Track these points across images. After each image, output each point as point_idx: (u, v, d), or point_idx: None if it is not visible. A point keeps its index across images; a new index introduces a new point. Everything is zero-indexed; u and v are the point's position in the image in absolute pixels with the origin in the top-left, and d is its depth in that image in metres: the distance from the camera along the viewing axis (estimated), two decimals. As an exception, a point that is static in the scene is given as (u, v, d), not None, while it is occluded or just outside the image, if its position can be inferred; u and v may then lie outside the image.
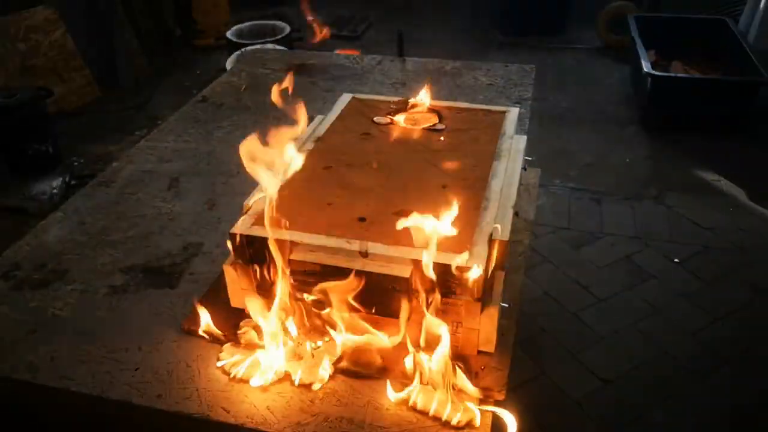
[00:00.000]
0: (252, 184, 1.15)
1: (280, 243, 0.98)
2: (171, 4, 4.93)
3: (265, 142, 0.97)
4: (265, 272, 1.02)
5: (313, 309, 0.98)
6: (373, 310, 0.97)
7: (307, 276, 0.97)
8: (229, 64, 3.79)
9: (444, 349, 0.92)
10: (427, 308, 0.93)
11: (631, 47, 3.98)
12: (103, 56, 4.30)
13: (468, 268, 0.92)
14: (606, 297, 2.47)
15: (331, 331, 0.99)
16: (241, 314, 1.09)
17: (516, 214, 1.26)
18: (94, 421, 1.05)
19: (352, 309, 0.97)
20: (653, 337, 2.28)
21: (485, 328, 0.98)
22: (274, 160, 0.99)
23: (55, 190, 3.17)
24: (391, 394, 0.95)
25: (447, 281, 0.94)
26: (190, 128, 1.78)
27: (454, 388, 0.94)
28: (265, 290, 1.04)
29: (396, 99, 1.46)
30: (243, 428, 0.92)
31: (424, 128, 1.35)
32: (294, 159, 1.05)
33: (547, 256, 2.69)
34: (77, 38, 4.02)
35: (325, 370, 0.98)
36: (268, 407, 0.95)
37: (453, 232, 0.92)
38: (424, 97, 1.43)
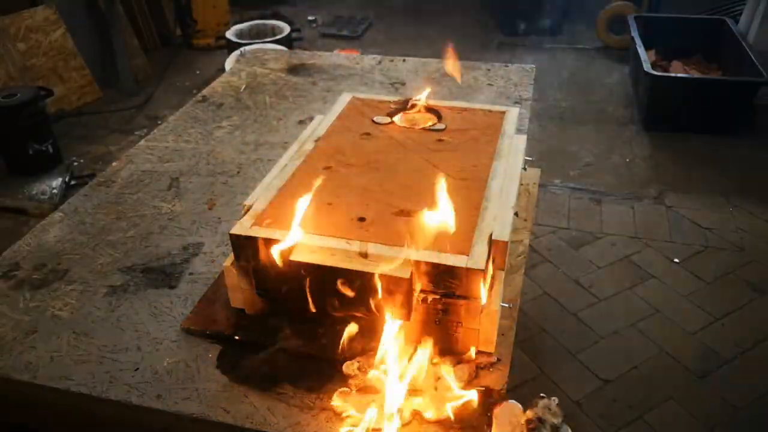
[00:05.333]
0: (252, 185, 1.15)
1: (279, 243, 0.98)
2: (171, 4, 4.93)
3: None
4: (266, 272, 1.02)
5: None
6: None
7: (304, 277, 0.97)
8: (228, 64, 3.79)
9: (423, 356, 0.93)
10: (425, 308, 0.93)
11: (631, 47, 3.98)
12: (103, 56, 4.30)
13: (468, 269, 0.92)
14: (606, 297, 2.47)
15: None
16: (241, 314, 1.09)
17: (516, 214, 1.26)
18: (94, 421, 1.05)
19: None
20: (653, 337, 2.28)
21: (485, 328, 0.98)
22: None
23: (55, 190, 3.17)
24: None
25: (447, 281, 0.94)
26: (190, 128, 1.78)
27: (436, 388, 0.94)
28: (265, 291, 1.04)
29: (396, 99, 1.46)
30: (243, 428, 0.92)
31: (424, 128, 1.35)
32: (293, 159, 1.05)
33: (547, 256, 2.69)
34: (77, 38, 4.02)
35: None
36: (268, 407, 0.95)
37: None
38: (423, 98, 1.43)
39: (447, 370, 0.96)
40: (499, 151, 1.25)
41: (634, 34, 3.84)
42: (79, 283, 1.20)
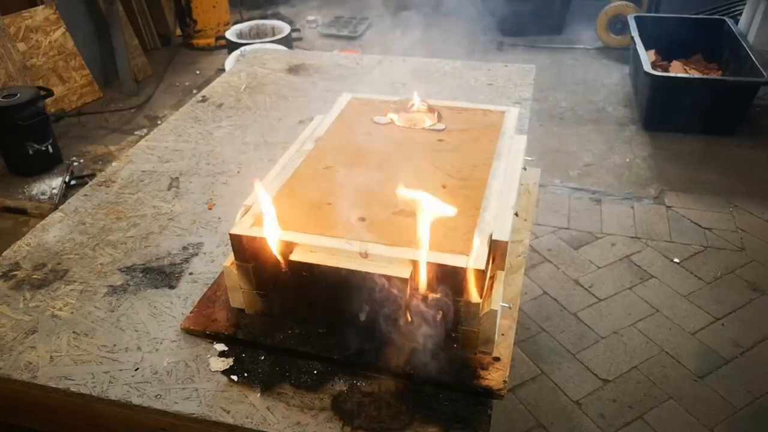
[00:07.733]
0: (252, 185, 1.15)
1: (279, 243, 0.98)
2: (171, 4, 4.94)
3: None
4: (266, 272, 1.02)
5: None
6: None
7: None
8: (228, 64, 3.79)
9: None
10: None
11: (631, 47, 3.98)
12: (103, 56, 4.30)
13: (468, 269, 0.92)
14: (606, 297, 2.47)
15: None
16: (241, 314, 1.09)
17: (516, 214, 1.26)
18: (94, 421, 1.05)
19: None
20: (653, 337, 2.28)
21: (485, 328, 0.98)
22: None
23: (55, 190, 3.17)
24: None
25: (447, 281, 0.94)
26: (190, 128, 1.78)
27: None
28: (265, 291, 1.04)
29: (396, 99, 1.46)
30: (243, 428, 0.92)
31: (424, 128, 1.35)
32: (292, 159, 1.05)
33: (547, 256, 2.69)
34: (77, 38, 4.02)
35: None
36: (268, 407, 0.95)
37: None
38: (424, 98, 1.43)
39: None
40: (499, 151, 1.25)
41: (634, 34, 3.84)
42: (79, 283, 1.20)
